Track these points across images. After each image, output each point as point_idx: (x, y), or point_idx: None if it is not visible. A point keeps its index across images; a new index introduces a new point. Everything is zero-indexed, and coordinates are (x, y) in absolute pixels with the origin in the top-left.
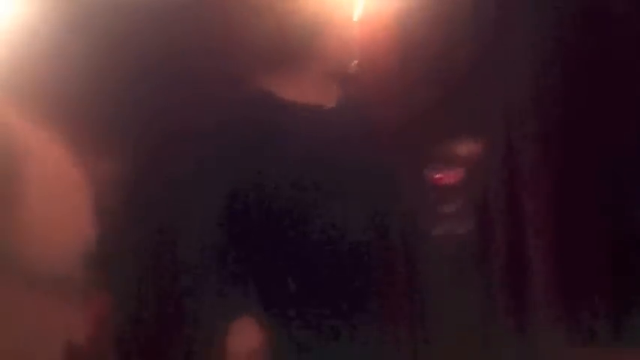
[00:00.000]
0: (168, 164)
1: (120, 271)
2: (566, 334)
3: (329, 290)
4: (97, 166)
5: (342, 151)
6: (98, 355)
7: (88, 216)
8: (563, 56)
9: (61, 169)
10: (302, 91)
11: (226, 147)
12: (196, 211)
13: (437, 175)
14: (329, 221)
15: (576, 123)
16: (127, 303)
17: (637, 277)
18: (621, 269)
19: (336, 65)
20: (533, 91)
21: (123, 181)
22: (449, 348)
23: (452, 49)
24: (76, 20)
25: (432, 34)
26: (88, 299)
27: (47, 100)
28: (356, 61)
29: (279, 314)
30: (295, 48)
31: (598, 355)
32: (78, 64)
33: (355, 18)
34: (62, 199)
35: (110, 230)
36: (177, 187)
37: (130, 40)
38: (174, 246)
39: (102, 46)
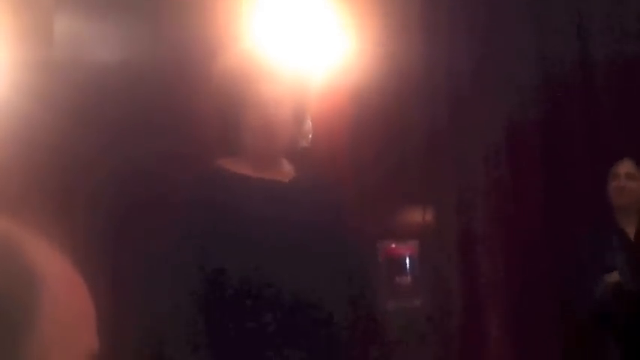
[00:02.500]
0: (132, 235)
1: None
2: None
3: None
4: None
5: (297, 224)
6: None
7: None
8: (517, 125)
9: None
10: (258, 167)
11: (188, 220)
12: (163, 284)
13: (391, 246)
14: (284, 293)
15: (533, 194)
16: None
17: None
18: (573, 340)
19: (291, 141)
20: (488, 164)
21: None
22: None
23: (404, 124)
24: (45, 92)
25: (385, 109)
26: None
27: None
28: (310, 136)
29: None
30: (251, 125)
31: None
32: (46, 136)
33: (309, 95)
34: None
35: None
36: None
37: (95, 111)
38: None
39: (69, 117)
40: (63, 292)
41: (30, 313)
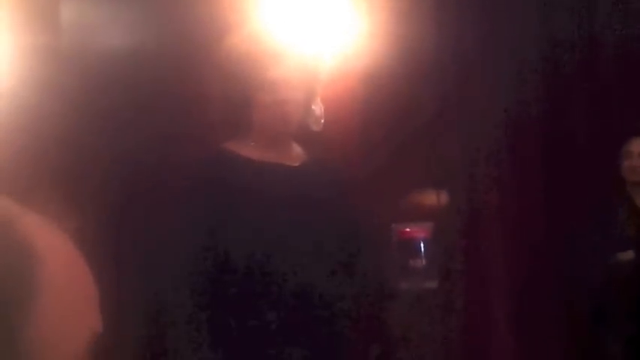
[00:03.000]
0: (140, 222)
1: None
2: None
3: (295, 344)
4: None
5: (308, 207)
6: None
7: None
8: (526, 106)
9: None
10: (267, 150)
11: (194, 204)
12: (170, 267)
13: (404, 229)
14: (295, 277)
15: (546, 176)
16: None
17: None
18: (577, 332)
19: (301, 124)
20: (498, 145)
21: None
22: None
23: (415, 105)
24: (52, 81)
25: (395, 92)
26: None
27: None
28: (322, 120)
29: None
30: (261, 108)
31: None
32: (53, 125)
33: (320, 78)
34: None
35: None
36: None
37: (100, 100)
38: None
39: (76, 103)
40: (62, 266)
41: (30, 286)
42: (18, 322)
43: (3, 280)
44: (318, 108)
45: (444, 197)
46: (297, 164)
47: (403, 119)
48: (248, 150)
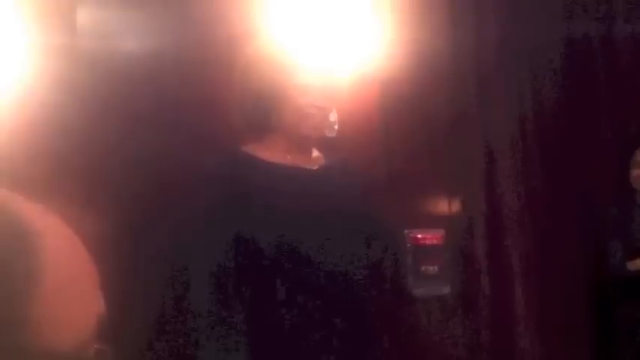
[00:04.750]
0: (159, 223)
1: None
2: None
3: (313, 350)
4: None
5: (324, 212)
6: None
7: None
8: (543, 112)
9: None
10: (286, 154)
11: (214, 206)
12: (188, 268)
13: (418, 236)
14: (312, 279)
15: (558, 180)
16: None
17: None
18: (601, 333)
19: (318, 129)
20: (514, 152)
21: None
22: None
23: (432, 112)
24: (69, 81)
25: (412, 97)
26: None
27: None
28: (335, 127)
29: None
30: (278, 112)
31: None
32: (70, 124)
33: (336, 84)
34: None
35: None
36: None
37: (120, 100)
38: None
39: (94, 104)
40: (61, 248)
41: (30, 268)
42: (21, 303)
43: (3, 263)
44: (332, 114)
45: (456, 204)
46: (315, 168)
47: (419, 125)
48: (267, 153)
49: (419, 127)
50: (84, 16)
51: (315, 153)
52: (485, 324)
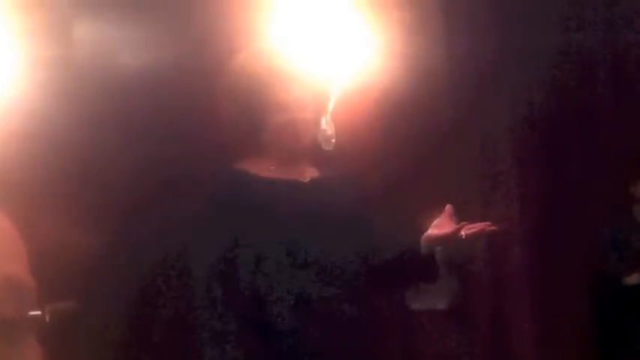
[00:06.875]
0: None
1: None
2: None
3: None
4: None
5: (318, 225)
6: None
7: None
8: (542, 121)
9: None
10: (280, 169)
11: (207, 223)
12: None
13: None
14: (307, 294)
15: (556, 193)
16: None
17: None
18: (599, 347)
19: (313, 143)
20: (511, 164)
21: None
22: None
23: (427, 123)
24: (64, 91)
25: (408, 109)
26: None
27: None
28: (333, 140)
29: None
30: (272, 127)
31: None
32: (66, 135)
33: (331, 96)
34: None
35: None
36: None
37: (114, 112)
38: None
39: (88, 116)
40: None
41: None
42: None
43: None
44: (329, 127)
45: (455, 216)
46: (309, 182)
47: (415, 137)
48: (261, 169)
49: (415, 140)
50: (80, 28)
51: (309, 167)
52: (483, 338)
